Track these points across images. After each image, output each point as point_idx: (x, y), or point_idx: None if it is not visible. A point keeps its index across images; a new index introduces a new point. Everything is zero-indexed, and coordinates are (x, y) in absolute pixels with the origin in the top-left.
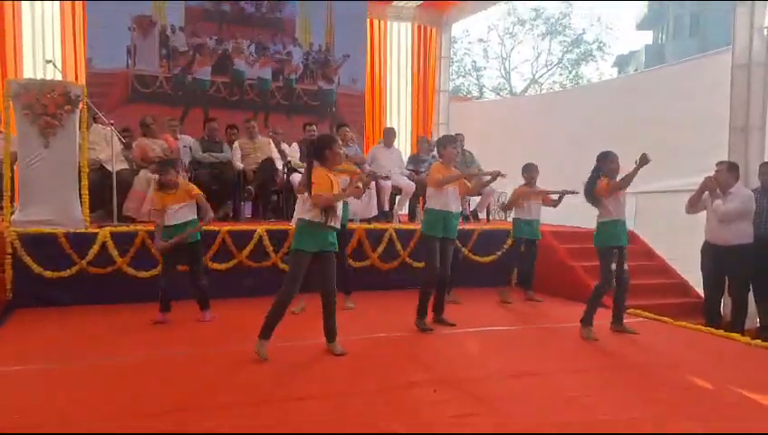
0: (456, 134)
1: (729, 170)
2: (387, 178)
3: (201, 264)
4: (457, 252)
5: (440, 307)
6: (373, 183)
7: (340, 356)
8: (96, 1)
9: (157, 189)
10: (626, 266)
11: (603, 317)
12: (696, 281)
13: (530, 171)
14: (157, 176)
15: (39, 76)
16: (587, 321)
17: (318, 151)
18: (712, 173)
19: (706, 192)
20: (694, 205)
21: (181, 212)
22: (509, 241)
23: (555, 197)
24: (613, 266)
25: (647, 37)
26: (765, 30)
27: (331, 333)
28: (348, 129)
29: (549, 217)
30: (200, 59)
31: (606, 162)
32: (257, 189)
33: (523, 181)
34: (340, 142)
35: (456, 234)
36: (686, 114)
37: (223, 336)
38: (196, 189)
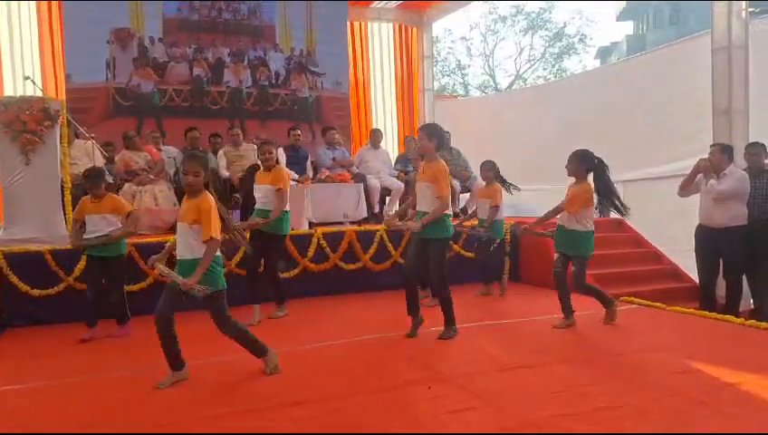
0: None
1: (723, 152)
2: None
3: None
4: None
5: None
6: (362, 185)
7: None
8: (74, 15)
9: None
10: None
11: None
12: (687, 266)
13: (486, 170)
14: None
15: (18, 93)
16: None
17: None
18: (699, 157)
19: (700, 175)
20: (686, 188)
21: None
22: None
23: None
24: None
25: (628, 28)
26: (743, 12)
27: None
28: (335, 131)
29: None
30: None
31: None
32: (244, 197)
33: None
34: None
35: None
36: (669, 100)
37: (209, 348)
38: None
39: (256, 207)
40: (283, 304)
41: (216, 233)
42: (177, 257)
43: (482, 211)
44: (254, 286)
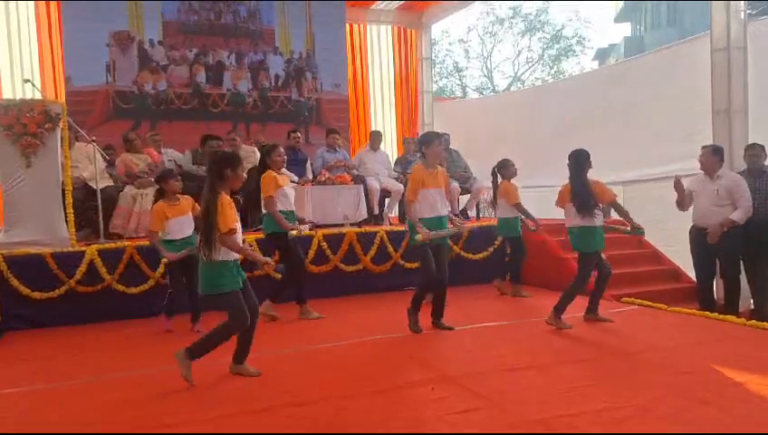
0: (442, 133)
1: (714, 154)
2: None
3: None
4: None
5: (439, 312)
6: (361, 186)
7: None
8: (73, 18)
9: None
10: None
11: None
12: (688, 267)
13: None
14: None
15: (18, 96)
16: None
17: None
18: (696, 158)
19: (690, 187)
20: (682, 203)
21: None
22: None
23: None
24: None
25: (625, 29)
26: (742, 13)
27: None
28: (337, 135)
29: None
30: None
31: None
32: (245, 198)
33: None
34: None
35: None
36: (669, 101)
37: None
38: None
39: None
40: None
41: None
42: None
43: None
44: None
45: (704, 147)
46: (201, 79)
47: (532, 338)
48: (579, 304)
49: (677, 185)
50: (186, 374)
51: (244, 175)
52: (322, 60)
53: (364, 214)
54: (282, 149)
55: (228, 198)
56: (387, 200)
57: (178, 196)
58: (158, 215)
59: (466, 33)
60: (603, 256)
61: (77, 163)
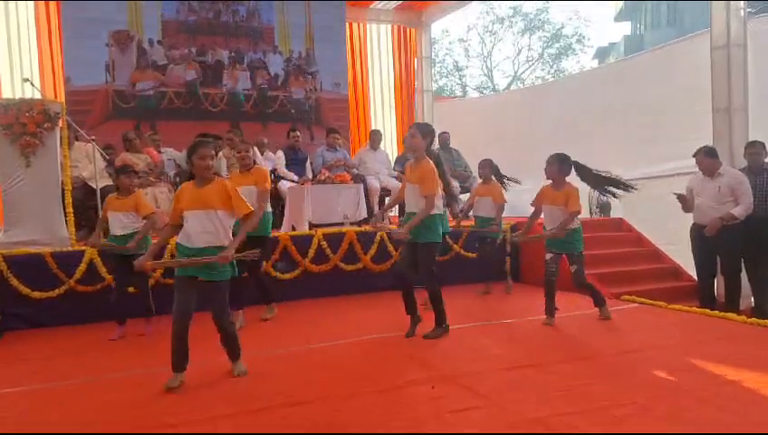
0: (442, 132)
1: (707, 156)
2: None
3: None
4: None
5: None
6: (361, 186)
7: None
8: (73, 18)
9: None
10: (573, 269)
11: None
12: (688, 265)
13: (482, 167)
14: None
15: (17, 95)
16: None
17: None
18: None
19: (690, 185)
20: (688, 208)
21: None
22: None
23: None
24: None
25: (625, 28)
26: (742, 11)
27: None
28: (338, 136)
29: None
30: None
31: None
32: None
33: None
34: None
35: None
36: (669, 99)
37: (208, 348)
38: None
39: None
40: (271, 304)
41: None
42: (200, 246)
43: (482, 209)
44: (239, 291)
45: (695, 153)
46: (192, 77)
47: (532, 337)
48: (583, 304)
49: (681, 198)
50: (169, 384)
51: (210, 162)
52: (322, 59)
53: (364, 213)
54: (246, 146)
55: (185, 186)
56: (387, 199)
57: (135, 192)
58: (104, 207)
59: (466, 32)
60: (573, 268)
61: (76, 163)
